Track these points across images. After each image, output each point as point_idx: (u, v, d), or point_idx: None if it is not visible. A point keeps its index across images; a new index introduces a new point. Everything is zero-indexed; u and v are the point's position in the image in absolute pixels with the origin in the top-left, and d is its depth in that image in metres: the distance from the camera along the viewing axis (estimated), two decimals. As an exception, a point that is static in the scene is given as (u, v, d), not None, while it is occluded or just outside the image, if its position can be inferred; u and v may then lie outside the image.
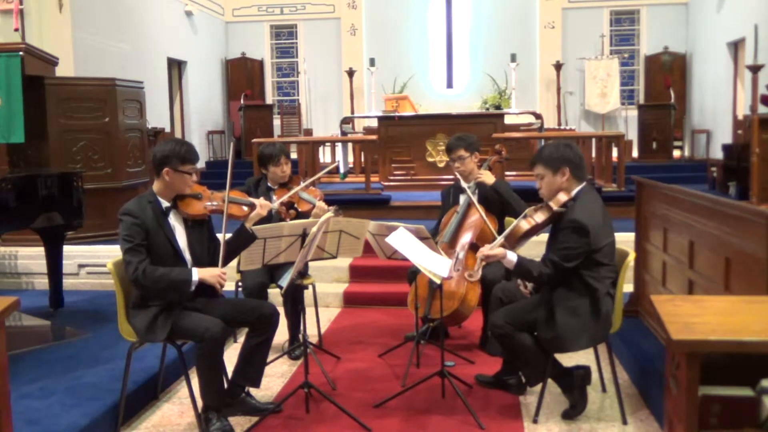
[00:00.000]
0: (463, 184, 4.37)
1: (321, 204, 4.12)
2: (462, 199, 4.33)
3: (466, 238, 4.18)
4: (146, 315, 3.12)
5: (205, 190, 3.29)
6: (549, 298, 3.19)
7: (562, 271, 3.11)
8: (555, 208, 3.17)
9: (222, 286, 3.13)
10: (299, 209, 4.17)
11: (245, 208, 3.30)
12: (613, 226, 3.23)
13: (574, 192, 3.20)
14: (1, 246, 5.90)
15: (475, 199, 4.26)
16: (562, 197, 3.18)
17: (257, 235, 3.27)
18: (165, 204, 3.19)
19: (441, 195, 4.59)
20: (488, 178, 4.22)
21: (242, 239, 3.26)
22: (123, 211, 3.11)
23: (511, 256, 3.20)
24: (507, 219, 4.44)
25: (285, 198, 4.08)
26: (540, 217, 3.20)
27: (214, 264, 3.25)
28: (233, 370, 3.35)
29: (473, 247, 4.12)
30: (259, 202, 3.30)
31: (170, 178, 3.14)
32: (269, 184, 4.38)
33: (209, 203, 3.24)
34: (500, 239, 3.24)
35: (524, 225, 3.20)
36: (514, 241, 3.25)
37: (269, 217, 3.75)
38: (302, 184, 4.29)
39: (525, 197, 4.27)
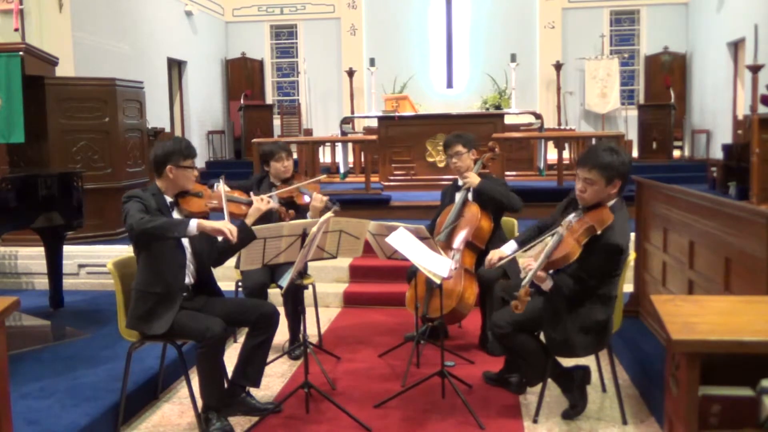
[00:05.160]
0: (460, 182, 4.38)
1: (318, 195, 4.12)
2: (457, 197, 4.32)
3: (461, 235, 4.18)
4: (144, 305, 3.12)
5: (206, 189, 3.33)
6: (559, 305, 3.11)
7: (589, 288, 3.05)
8: (599, 232, 2.97)
9: (232, 234, 2.99)
10: (297, 202, 4.19)
11: (243, 207, 3.31)
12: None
13: (610, 204, 3.08)
14: (1, 246, 5.90)
15: (470, 196, 4.27)
16: (607, 219, 2.98)
17: (257, 235, 3.27)
18: (168, 199, 3.22)
19: (441, 194, 4.59)
20: (473, 179, 4.20)
21: (242, 236, 3.24)
22: (129, 194, 3.12)
23: (550, 282, 3.07)
24: (509, 220, 4.46)
25: (284, 191, 4.12)
26: (584, 239, 2.97)
27: (213, 259, 3.29)
28: (233, 370, 3.35)
29: (469, 245, 4.13)
30: (257, 198, 3.30)
31: (174, 175, 3.17)
32: (272, 181, 4.39)
33: (209, 201, 3.27)
34: (543, 261, 2.98)
35: (574, 252, 2.94)
36: (559, 265, 3.02)
37: (270, 217, 3.76)
38: (305, 182, 4.32)
39: (525, 197, 4.27)
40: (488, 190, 4.15)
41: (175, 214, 3.22)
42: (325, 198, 4.09)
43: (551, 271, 3.10)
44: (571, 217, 3.12)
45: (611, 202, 3.10)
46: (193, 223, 2.96)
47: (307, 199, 4.20)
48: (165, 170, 3.16)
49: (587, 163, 3.05)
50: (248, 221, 3.25)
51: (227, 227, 3.00)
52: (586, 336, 3.09)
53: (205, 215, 3.26)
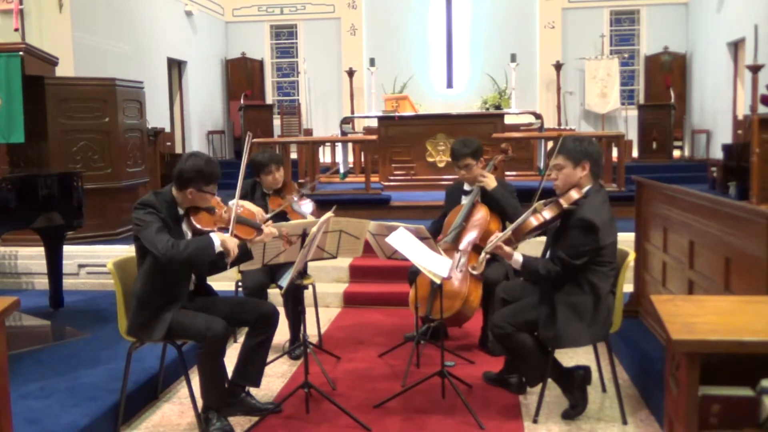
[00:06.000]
0: (467, 187, 4.37)
1: (311, 218, 4.08)
2: (465, 199, 4.31)
3: (469, 238, 4.17)
4: (144, 313, 3.12)
5: (219, 204, 3.27)
6: (551, 296, 3.18)
7: (570, 269, 3.11)
8: (565, 206, 3.13)
9: (235, 254, 3.05)
10: (290, 217, 4.18)
11: (253, 231, 3.22)
12: (616, 226, 3.22)
13: (584, 189, 3.18)
14: (1, 246, 5.90)
15: (478, 199, 4.26)
16: (574, 195, 3.14)
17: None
18: (180, 211, 3.20)
19: (446, 192, 4.57)
20: (491, 181, 4.20)
21: (242, 256, 3.25)
22: (144, 201, 3.10)
23: (518, 257, 3.20)
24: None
25: (279, 209, 4.12)
26: (548, 213, 3.16)
27: (213, 269, 3.28)
28: (233, 370, 3.35)
29: (476, 248, 4.11)
30: (267, 229, 3.21)
31: (192, 197, 3.15)
32: (264, 191, 4.39)
33: (219, 220, 3.20)
34: (507, 233, 3.19)
35: (533, 221, 3.16)
36: (521, 236, 3.21)
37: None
38: (294, 195, 4.30)
39: (524, 197, 4.26)
40: (501, 201, 4.15)
41: (183, 226, 3.20)
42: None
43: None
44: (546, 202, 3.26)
45: (586, 188, 3.18)
46: (217, 241, 3.01)
47: (300, 217, 4.17)
48: (185, 190, 3.13)
49: (555, 152, 3.25)
50: (250, 245, 3.24)
51: (234, 250, 3.03)
52: (575, 325, 3.12)
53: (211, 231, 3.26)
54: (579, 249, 3.08)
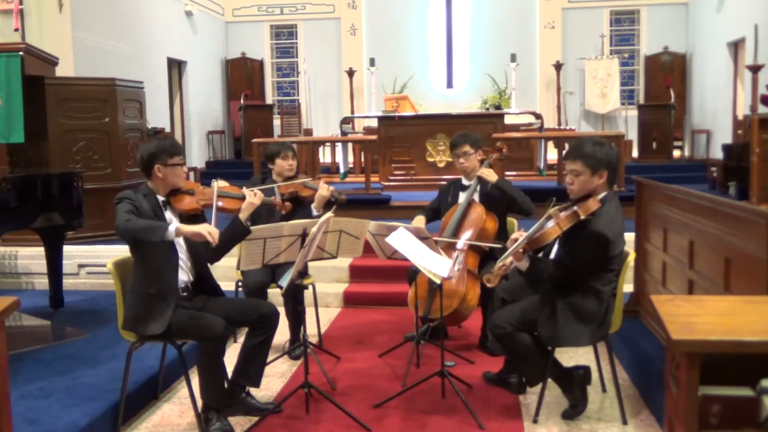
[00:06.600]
0: (465, 182, 4.37)
1: (324, 184, 4.19)
2: (462, 197, 4.31)
3: (465, 237, 4.17)
4: (137, 305, 3.12)
5: (197, 186, 3.31)
6: (552, 297, 3.17)
7: (575, 275, 3.10)
8: (582, 216, 3.04)
9: (212, 237, 2.98)
10: (302, 195, 4.24)
11: (238, 201, 3.28)
12: (624, 232, 3.19)
13: (600, 196, 3.13)
14: (1, 246, 5.90)
15: (476, 197, 4.26)
16: (593, 205, 3.05)
17: (258, 235, 3.27)
18: (161, 198, 3.21)
19: (440, 189, 4.56)
20: (491, 175, 4.21)
21: (236, 232, 3.24)
22: (121, 196, 3.12)
23: (525, 261, 3.14)
24: (509, 219, 4.44)
25: (289, 185, 4.22)
26: (566, 223, 3.06)
27: (209, 256, 3.28)
28: (233, 370, 3.35)
29: (473, 247, 4.12)
30: (250, 192, 3.27)
31: (163, 174, 3.17)
32: (274, 179, 4.43)
33: (201, 198, 3.25)
34: (521, 243, 3.08)
35: (553, 232, 3.06)
36: (536, 246, 3.14)
37: (272, 212, 3.79)
38: (308, 179, 4.37)
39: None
40: (508, 189, 4.17)
41: (168, 214, 3.21)
42: (332, 188, 4.15)
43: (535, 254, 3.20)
44: (562, 209, 3.19)
45: (601, 195, 3.14)
46: (172, 228, 2.98)
47: (312, 191, 4.23)
48: (153, 170, 3.16)
49: (572, 155, 3.16)
50: (242, 216, 3.24)
51: (207, 230, 2.99)
52: (575, 326, 3.11)
53: (197, 212, 3.27)
54: (587, 259, 3.06)
